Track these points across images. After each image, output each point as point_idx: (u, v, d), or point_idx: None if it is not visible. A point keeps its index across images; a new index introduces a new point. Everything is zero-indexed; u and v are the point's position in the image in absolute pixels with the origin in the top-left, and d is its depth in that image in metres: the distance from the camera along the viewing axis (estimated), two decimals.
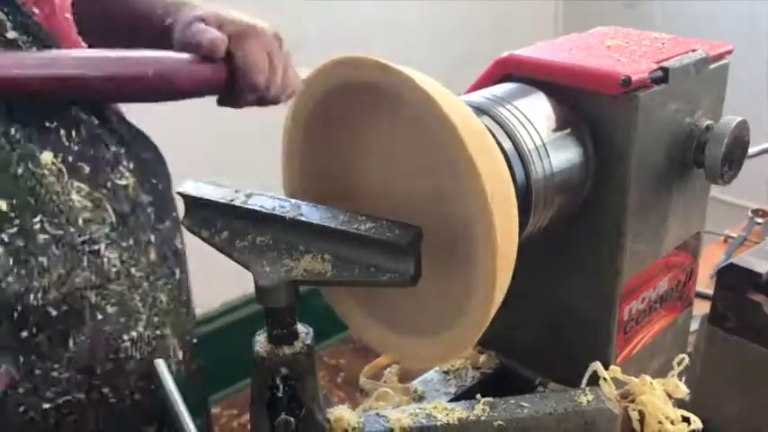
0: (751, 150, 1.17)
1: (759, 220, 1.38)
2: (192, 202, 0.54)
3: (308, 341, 0.52)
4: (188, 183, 0.55)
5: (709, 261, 1.27)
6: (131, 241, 0.64)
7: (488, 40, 2.58)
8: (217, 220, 0.53)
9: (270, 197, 0.53)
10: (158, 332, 0.67)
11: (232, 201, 0.52)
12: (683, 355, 0.61)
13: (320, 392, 0.54)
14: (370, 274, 0.48)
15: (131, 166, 0.66)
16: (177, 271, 0.72)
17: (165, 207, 0.70)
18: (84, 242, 0.60)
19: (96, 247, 0.61)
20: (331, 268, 0.49)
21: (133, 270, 0.64)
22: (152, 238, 0.67)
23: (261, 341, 0.52)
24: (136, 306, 0.65)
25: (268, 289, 0.50)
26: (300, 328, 0.52)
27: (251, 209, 0.51)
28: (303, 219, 0.50)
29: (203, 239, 0.54)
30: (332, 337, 2.50)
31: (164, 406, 0.62)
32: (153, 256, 0.67)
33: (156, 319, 0.67)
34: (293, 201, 0.52)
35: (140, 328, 0.65)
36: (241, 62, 0.66)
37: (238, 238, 0.52)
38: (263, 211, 0.51)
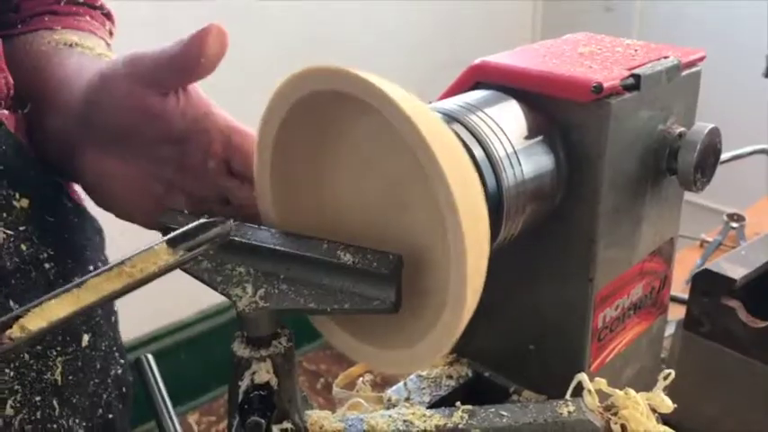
0: (724, 156, 1.18)
1: (734, 225, 1.39)
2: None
3: (287, 344, 0.52)
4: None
5: (685, 265, 1.27)
6: (11, 303, 0.53)
7: (468, 45, 2.59)
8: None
9: (248, 226, 0.53)
10: (40, 414, 0.56)
11: None
12: (670, 371, 0.61)
13: (299, 395, 0.54)
14: (351, 303, 0.49)
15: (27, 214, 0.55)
16: (86, 337, 0.60)
17: (75, 264, 0.60)
18: None
19: None
20: (312, 298, 0.49)
21: None
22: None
23: (238, 342, 0.52)
24: (7, 383, 0.54)
25: (250, 318, 0.50)
26: (280, 330, 0.53)
27: (230, 239, 0.51)
28: (283, 249, 0.50)
29: (183, 270, 0.53)
30: (312, 343, 2.50)
31: (149, 401, 0.62)
32: None
33: (37, 398, 0.56)
34: (272, 230, 0.52)
35: (8, 411, 0.54)
36: None
37: (218, 269, 0.52)
38: (242, 240, 0.51)
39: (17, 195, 0.56)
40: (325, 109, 0.51)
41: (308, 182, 0.56)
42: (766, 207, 1.52)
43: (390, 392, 0.71)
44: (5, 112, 0.57)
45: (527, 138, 0.59)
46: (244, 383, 0.52)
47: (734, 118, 1.59)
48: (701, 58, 0.67)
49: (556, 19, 2.80)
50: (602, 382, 0.61)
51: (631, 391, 0.61)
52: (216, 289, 0.52)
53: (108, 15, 0.74)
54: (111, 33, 0.74)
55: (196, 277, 0.54)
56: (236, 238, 0.52)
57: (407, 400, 0.70)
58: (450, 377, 0.73)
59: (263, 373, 0.52)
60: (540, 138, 0.60)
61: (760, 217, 1.44)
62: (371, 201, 0.54)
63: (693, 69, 0.67)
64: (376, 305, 0.48)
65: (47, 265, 0.58)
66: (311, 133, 0.53)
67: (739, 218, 1.40)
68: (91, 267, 0.64)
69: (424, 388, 0.72)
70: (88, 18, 0.70)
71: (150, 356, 0.63)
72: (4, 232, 0.54)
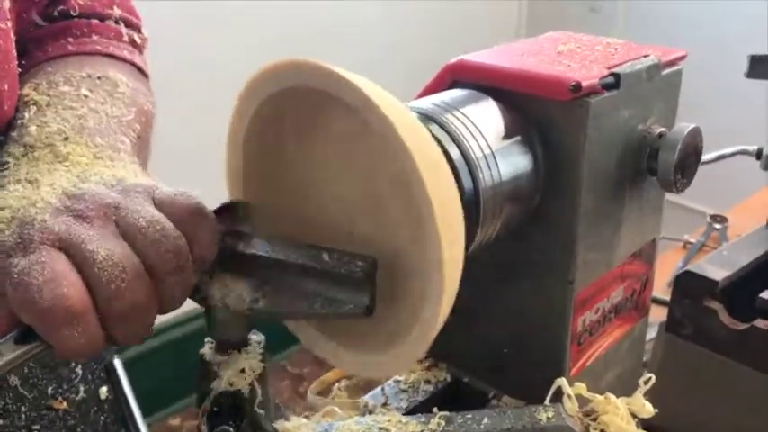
0: (708, 156, 1.17)
1: (717, 226, 1.39)
2: None
3: (259, 350, 0.51)
4: None
5: (668, 267, 1.27)
6: None
7: (450, 45, 2.57)
8: None
9: None
10: None
11: None
12: (650, 375, 0.60)
13: (271, 402, 0.53)
14: (324, 307, 0.47)
15: None
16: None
17: None
18: None
19: None
20: (284, 301, 0.48)
21: None
22: None
23: (208, 347, 0.51)
24: None
25: (222, 322, 0.49)
26: (252, 336, 0.51)
27: None
28: (253, 252, 0.48)
29: None
30: (295, 345, 2.47)
31: (118, 405, 0.60)
32: None
33: None
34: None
35: None
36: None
37: None
38: None
39: None
40: (298, 105, 0.50)
41: (279, 179, 0.54)
42: (749, 208, 1.51)
43: (367, 398, 0.70)
44: None
45: (504, 138, 0.58)
46: (213, 390, 0.50)
47: (717, 118, 1.59)
48: (682, 57, 0.66)
49: (540, 19, 2.80)
50: (581, 387, 0.60)
51: (611, 396, 0.60)
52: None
53: (124, 22, 0.70)
54: (133, 42, 0.70)
55: None
56: None
57: (384, 405, 0.69)
58: (428, 382, 0.71)
59: (234, 379, 0.50)
60: (517, 138, 0.59)
61: (743, 218, 1.43)
62: (344, 200, 0.52)
63: (674, 68, 0.66)
64: (349, 309, 0.46)
65: None
66: (283, 129, 0.52)
67: (722, 219, 1.40)
68: None
69: (401, 393, 0.70)
70: (95, 37, 0.67)
71: (119, 361, 0.61)
72: None
